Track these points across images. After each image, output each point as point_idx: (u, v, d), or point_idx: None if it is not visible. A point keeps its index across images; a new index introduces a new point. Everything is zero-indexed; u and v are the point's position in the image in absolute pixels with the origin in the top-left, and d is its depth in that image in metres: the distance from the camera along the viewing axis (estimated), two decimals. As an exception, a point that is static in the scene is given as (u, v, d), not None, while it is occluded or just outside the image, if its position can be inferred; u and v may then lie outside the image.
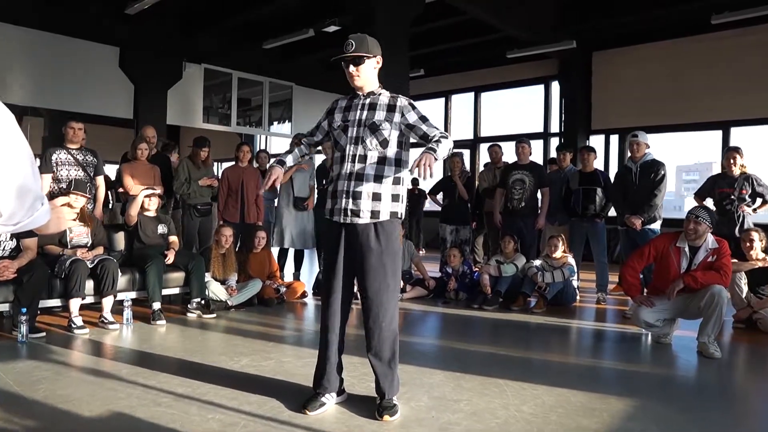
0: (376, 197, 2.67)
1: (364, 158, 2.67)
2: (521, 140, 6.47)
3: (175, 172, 6.02)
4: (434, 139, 2.65)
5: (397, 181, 2.73)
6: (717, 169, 6.08)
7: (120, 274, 4.75)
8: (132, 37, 9.62)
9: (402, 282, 6.11)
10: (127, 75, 10.29)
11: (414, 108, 2.75)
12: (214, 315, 5.04)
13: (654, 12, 8.50)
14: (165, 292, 5.08)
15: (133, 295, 4.91)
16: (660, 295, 4.14)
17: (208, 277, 5.32)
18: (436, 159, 2.52)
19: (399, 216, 2.76)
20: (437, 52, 10.89)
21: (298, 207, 6.53)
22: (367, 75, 2.76)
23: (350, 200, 2.67)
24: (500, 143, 7.41)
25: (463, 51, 10.82)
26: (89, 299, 4.61)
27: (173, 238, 5.35)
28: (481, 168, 8.94)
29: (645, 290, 4.52)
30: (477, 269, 6.39)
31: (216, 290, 5.27)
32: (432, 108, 13.00)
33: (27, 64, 8.95)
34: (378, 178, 2.67)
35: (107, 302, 4.60)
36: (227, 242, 5.50)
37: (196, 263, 5.12)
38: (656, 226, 5.36)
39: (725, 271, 3.97)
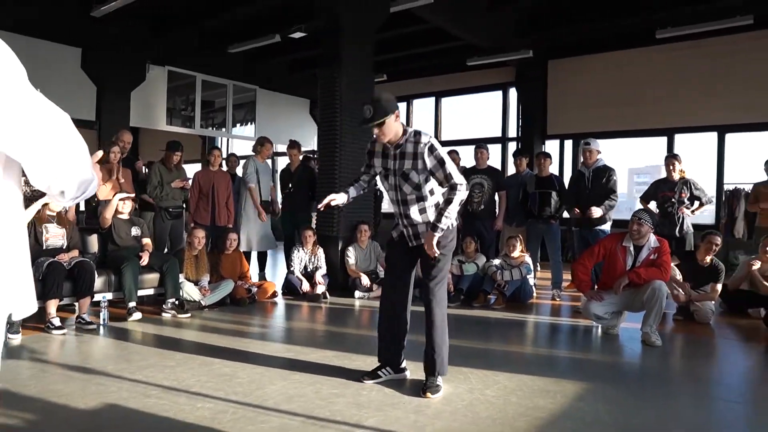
0: (427, 224, 3.15)
1: (405, 200, 3.15)
2: (480, 146, 6.83)
3: (146, 176, 6.13)
4: (446, 192, 3.06)
5: (438, 204, 3.13)
6: (665, 173, 6.56)
7: (96, 275, 4.86)
8: (95, 38, 9.59)
9: (368, 281, 6.38)
10: (89, 76, 10.22)
11: (433, 152, 3.03)
12: (189, 315, 5.19)
13: (604, 24, 9.02)
14: (140, 293, 5.21)
15: (109, 296, 5.03)
16: (608, 290, 4.54)
17: (182, 278, 5.48)
18: (436, 235, 3.04)
19: (450, 227, 3.16)
20: (400, 57, 11.22)
21: (266, 211, 6.73)
22: (390, 130, 3.08)
23: (410, 230, 3.21)
24: (458, 148, 7.77)
25: (426, 57, 11.17)
26: (66, 300, 4.71)
27: (147, 240, 5.48)
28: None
29: (596, 286, 4.92)
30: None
31: (190, 291, 5.42)
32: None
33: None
34: (422, 211, 3.16)
35: (84, 303, 4.71)
36: (200, 244, 5.66)
37: (170, 264, 5.27)
38: (606, 227, 5.79)
39: (665, 267, 4.41)
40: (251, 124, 13.16)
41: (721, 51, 9.00)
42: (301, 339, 4.57)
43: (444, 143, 12.03)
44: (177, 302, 5.27)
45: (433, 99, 12.67)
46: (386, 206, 11.14)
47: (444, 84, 12.21)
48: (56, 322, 4.48)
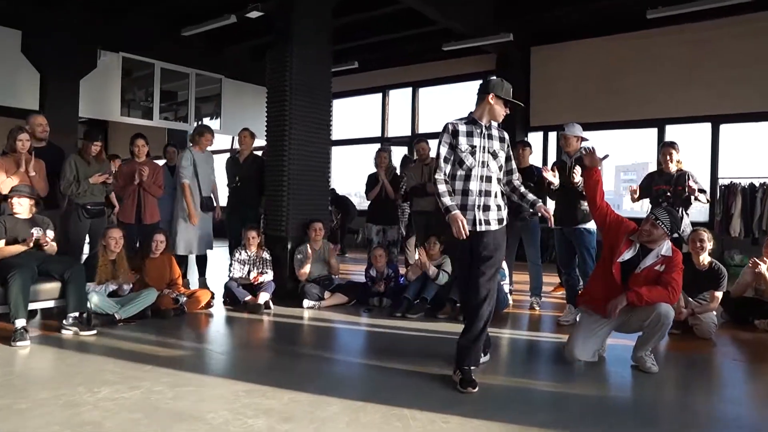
0: (500, 208, 3.38)
1: (490, 178, 3.32)
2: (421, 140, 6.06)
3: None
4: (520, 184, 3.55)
5: (503, 195, 3.47)
6: (653, 168, 5.81)
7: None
8: (36, 19, 8.69)
9: (320, 288, 5.57)
10: (31, 61, 9.31)
11: (510, 145, 3.47)
12: (95, 332, 4.33)
13: (590, 6, 8.28)
14: (37, 305, 4.37)
15: (-4, 310, 4.17)
16: (596, 304, 3.69)
17: (92, 287, 4.64)
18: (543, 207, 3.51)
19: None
20: (373, 44, 10.41)
21: (205, 208, 5.87)
22: None
23: (481, 212, 3.29)
24: (428, 139, 6.90)
25: (400, 42, 10.37)
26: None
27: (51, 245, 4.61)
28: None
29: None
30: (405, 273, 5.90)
31: (100, 302, 4.57)
32: (369, 104, 12.55)
33: None
34: (498, 194, 3.38)
35: (-44, 320, 3.86)
36: (116, 246, 4.81)
37: (74, 271, 4.41)
38: (591, 225, 4.99)
39: (674, 287, 3.51)
40: (217, 117, 12.29)
41: (715, 35, 8.27)
42: (217, 366, 3.72)
43: (422, 136, 11.27)
44: (81, 317, 4.41)
45: (410, 89, 11.88)
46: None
47: (421, 73, 11.42)
48: None
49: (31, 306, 4.32)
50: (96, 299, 4.56)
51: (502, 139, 3.40)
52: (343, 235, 10.57)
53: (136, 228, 5.46)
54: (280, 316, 5.20)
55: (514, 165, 3.49)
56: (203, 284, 6.06)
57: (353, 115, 13.62)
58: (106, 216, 5.45)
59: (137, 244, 5.50)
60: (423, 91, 11.77)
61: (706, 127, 8.61)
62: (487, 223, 3.29)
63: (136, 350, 3.95)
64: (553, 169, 4.85)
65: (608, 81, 9.16)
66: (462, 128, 3.32)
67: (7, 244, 4.41)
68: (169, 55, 11.03)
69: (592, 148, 3.97)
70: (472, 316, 3.30)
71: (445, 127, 3.34)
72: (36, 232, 4.51)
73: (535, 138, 9.87)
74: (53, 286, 4.43)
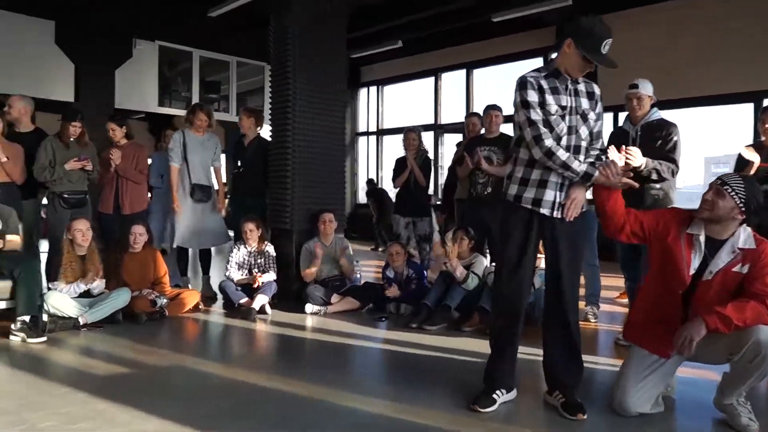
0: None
1: (579, 147, 2.55)
2: (492, 107, 5.01)
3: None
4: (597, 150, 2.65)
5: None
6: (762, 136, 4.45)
7: None
8: (70, 9, 8.40)
9: (327, 291, 4.72)
10: (65, 52, 9.07)
11: (600, 100, 2.64)
12: (44, 339, 3.66)
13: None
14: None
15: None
16: (652, 341, 2.50)
17: (58, 286, 4.01)
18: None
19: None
20: (417, 21, 9.42)
21: (196, 197, 5.13)
22: None
23: (562, 194, 2.53)
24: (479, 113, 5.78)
25: (447, 18, 9.30)
26: None
27: (12, 237, 4.00)
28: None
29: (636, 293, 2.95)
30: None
31: (59, 304, 3.93)
32: (421, 89, 11.63)
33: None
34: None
35: None
36: (85, 239, 4.15)
37: (24, 268, 3.76)
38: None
39: None
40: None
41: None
42: (149, 395, 2.91)
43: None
44: (33, 321, 3.76)
45: (463, 72, 10.81)
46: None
47: (475, 53, 10.31)
48: None
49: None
50: (55, 300, 3.92)
51: (591, 95, 2.60)
52: (381, 230, 9.74)
53: (115, 219, 4.81)
54: (276, 323, 4.38)
55: (601, 128, 2.67)
56: (206, 284, 5.36)
57: (404, 102, 12.78)
58: (88, 206, 4.82)
59: (118, 238, 4.83)
60: (477, 73, 10.67)
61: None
62: (562, 207, 2.54)
63: (70, 365, 3.27)
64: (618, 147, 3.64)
65: (690, 50, 7.74)
66: (544, 83, 2.51)
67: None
68: (208, 43, 10.57)
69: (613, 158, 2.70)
70: (564, 331, 2.59)
71: (524, 81, 2.51)
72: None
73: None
74: (4, 285, 3.81)
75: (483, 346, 2.99)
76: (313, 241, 4.91)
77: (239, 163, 5.38)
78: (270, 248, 4.95)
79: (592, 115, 2.57)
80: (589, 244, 4.40)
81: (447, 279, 4.31)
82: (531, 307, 4.02)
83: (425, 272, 4.98)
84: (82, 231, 4.14)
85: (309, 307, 4.61)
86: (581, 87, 2.58)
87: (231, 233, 5.42)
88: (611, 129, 4.20)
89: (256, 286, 4.67)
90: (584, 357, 2.70)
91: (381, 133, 12.33)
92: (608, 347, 3.80)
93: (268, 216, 5.28)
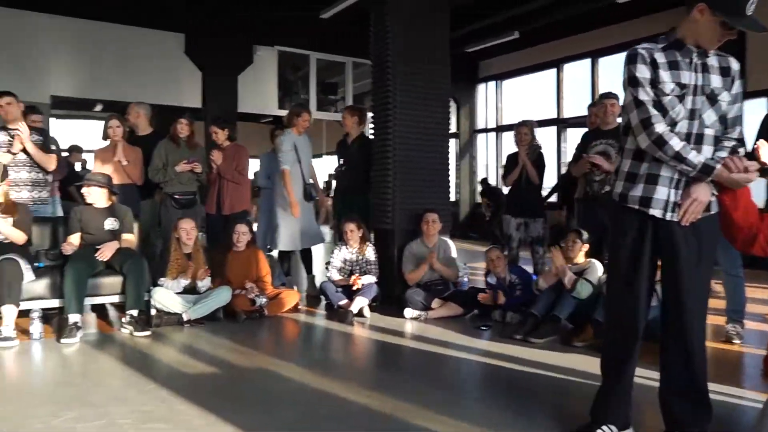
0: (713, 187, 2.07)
1: (702, 136, 2.06)
2: (608, 95, 4.49)
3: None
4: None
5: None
6: None
7: (33, 277, 3.73)
8: (197, 21, 9.00)
9: (428, 295, 4.48)
10: (193, 61, 9.69)
11: (740, 77, 2.13)
12: (149, 333, 3.80)
13: None
14: (97, 300, 4.00)
15: (55, 303, 3.86)
16: None
17: (166, 282, 4.15)
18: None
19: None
20: (535, 11, 8.86)
21: (309, 197, 5.11)
22: None
23: (679, 191, 2.06)
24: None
25: (568, 4, 8.65)
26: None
27: (128, 236, 4.21)
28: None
29: None
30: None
31: (165, 300, 4.05)
32: (542, 82, 11.00)
33: (94, 57, 8.72)
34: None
35: (7, 312, 3.56)
36: (189, 238, 4.26)
37: (132, 264, 3.93)
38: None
39: None
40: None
41: None
42: (229, 400, 2.84)
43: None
44: (138, 315, 3.90)
45: (587, 61, 10.04)
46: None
47: (599, 41, 9.52)
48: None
49: (93, 301, 3.97)
50: (161, 296, 4.06)
51: (725, 71, 2.09)
52: (494, 230, 9.31)
53: (218, 218, 4.92)
54: (373, 328, 4.21)
55: (739, 112, 2.13)
56: (311, 283, 5.34)
57: (524, 96, 12.16)
58: (198, 207, 4.99)
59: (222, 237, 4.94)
60: (603, 62, 9.84)
61: None
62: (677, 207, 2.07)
63: (164, 360, 3.36)
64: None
65: None
66: (660, 57, 2.05)
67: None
68: (324, 45, 10.76)
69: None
70: (687, 358, 2.10)
71: (634, 54, 2.07)
72: (109, 223, 4.15)
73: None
74: (114, 281, 4.00)
75: (595, 365, 2.57)
76: (416, 243, 4.69)
77: (341, 162, 5.30)
78: (371, 249, 4.80)
79: (725, 96, 2.06)
80: (728, 250, 3.74)
81: (558, 286, 3.89)
82: (653, 321, 3.50)
83: (534, 277, 4.55)
84: (187, 230, 4.26)
85: (408, 312, 4.40)
86: (712, 61, 2.08)
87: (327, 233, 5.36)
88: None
89: (355, 288, 4.55)
90: (724, 388, 2.21)
91: (500, 129, 11.83)
92: (755, 377, 3.18)
93: (371, 217, 5.14)
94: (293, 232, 5.09)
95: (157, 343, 3.68)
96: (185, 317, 4.05)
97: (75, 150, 7.47)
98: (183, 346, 3.66)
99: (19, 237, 3.83)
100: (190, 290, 4.28)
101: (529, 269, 4.90)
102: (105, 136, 4.82)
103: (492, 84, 12.04)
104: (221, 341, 3.74)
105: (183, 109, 9.26)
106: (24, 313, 3.65)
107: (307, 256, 5.38)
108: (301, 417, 2.47)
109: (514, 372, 3.19)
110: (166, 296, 4.07)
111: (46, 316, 3.89)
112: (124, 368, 3.16)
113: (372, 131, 5.15)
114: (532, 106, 11.74)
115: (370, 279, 4.64)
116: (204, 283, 4.29)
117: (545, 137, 9.52)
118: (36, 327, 3.63)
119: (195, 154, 4.92)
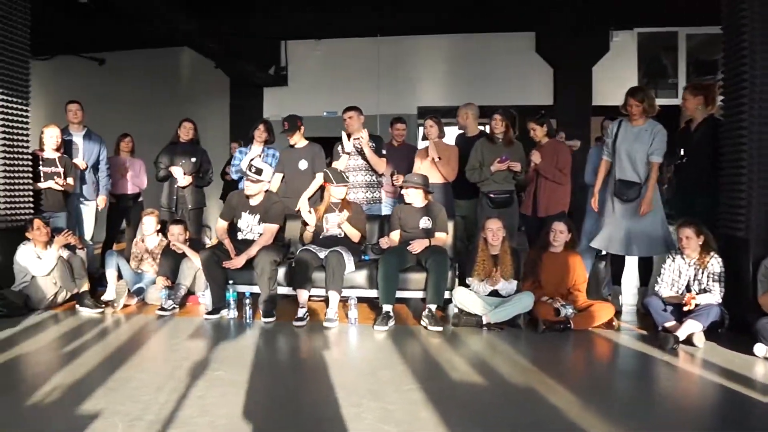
0: None
1: None
2: None
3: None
4: None
5: None
6: None
7: (353, 268, 4.23)
8: (548, 18, 8.91)
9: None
10: (544, 58, 9.59)
11: None
12: (441, 329, 3.86)
13: None
14: (404, 294, 4.25)
15: (372, 293, 4.27)
16: None
17: (472, 282, 4.15)
18: None
19: None
20: None
21: (621, 195, 4.35)
22: None
23: None
24: None
25: None
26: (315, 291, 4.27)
27: (440, 235, 4.37)
28: None
29: None
30: None
31: (465, 300, 4.03)
32: None
33: (453, 68, 9.55)
34: None
35: (332, 297, 4.12)
36: (495, 238, 4.13)
37: (435, 261, 4.03)
38: None
39: None
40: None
41: None
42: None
43: None
44: (435, 311, 3.99)
45: None
46: None
47: None
48: (300, 312, 4.12)
49: (401, 294, 4.22)
50: (461, 296, 4.05)
51: None
52: None
53: (533, 220, 4.62)
54: (706, 364, 3.28)
55: None
56: (642, 297, 4.56)
57: None
58: (515, 205, 4.80)
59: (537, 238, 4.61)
60: None
61: None
62: None
63: (439, 361, 3.32)
64: None
65: None
66: None
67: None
68: (695, 17, 9.16)
69: None
70: None
71: None
72: (424, 222, 4.39)
73: None
74: (421, 277, 4.19)
75: None
76: (780, 257, 3.51)
77: (682, 153, 4.36)
78: (716, 262, 3.79)
79: None
80: None
81: None
82: None
83: None
84: (494, 230, 4.13)
85: (759, 349, 3.31)
86: None
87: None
88: None
89: (687, 308, 3.66)
90: None
91: None
92: None
93: (719, 221, 4.08)
94: (611, 232, 4.37)
95: (445, 342, 3.69)
96: (485, 320, 3.95)
97: None
98: (467, 350, 3.55)
99: (354, 234, 4.41)
100: (493, 292, 4.16)
101: None
102: (423, 137, 5.10)
103: None
104: (507, 350, 3.50)
105: (533, 108, 9.33)
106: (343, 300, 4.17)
107: (644, 266, 4.61)
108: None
109: None
110: (468, 297, 4.04)
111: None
112: (398, 362, 3.25)
113: (722, 113, 4.07)
114: None
115: (710, 299, 3.68)
116: (508, 287, 4.11)
117: None
118: (353, 313, 4.07)
119: (510, 151, 4.77)
